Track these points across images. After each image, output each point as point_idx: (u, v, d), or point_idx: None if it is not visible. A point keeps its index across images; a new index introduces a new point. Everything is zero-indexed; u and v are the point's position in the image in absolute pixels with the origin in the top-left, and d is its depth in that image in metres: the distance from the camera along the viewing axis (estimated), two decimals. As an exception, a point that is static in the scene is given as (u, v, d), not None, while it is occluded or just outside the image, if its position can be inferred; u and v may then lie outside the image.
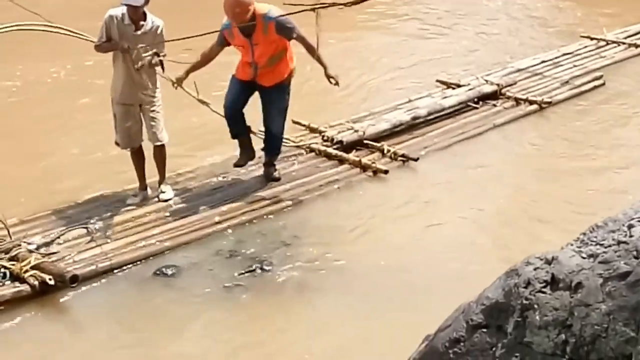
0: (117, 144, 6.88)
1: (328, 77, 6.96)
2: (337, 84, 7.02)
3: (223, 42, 6.89)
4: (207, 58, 7.01)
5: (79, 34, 7.11)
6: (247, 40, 6.80)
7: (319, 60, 6.82)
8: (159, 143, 6.80)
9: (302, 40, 6.82)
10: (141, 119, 6.73)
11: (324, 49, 6.70)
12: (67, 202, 6.83)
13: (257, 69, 6.92)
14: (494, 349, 2.69)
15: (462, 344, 2.79)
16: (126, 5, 6.30)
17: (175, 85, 6.94)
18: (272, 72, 7.00)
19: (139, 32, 6.40)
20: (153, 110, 6.68)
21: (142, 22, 6.40)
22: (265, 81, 7.00)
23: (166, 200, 6.87)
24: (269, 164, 7.38)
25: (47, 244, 6.21)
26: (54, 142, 8.27)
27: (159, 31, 6.50)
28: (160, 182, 6.97)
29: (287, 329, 5.54)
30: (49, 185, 7.34)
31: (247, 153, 7.28)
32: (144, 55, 6.34)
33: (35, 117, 8.85)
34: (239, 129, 7.20)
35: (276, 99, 7.09)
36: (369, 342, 5.23)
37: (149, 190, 6.93)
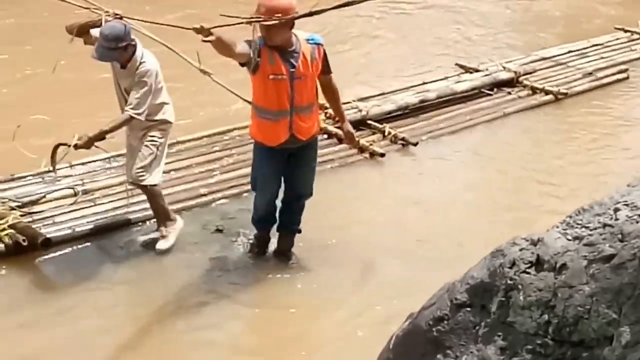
0: None
1: (346, 132, 6.00)
2: (355, 146, 6.47)
3: (258, 57, 5.28)
4: (230, 49, 5.11)
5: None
6: (289, 71, 5.43)
7: (339, 109, 5.96)
8: (135, 181, 6.08)
9: (331, 78, 5.74)
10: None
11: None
12: (59, 162, 6.99)
13: (293, 115, 5.55)
14: (477, 327, 2.86)
15: (445, 322, 2.95)
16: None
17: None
18: (310, 119, 5.68)
19: (123, 70, 6.05)
20: (141, 139, 6.08)
21: (129, 63, 6.04)
22: (303, 133, 5.64)
23: (163, 251, 6.20)
24: (288, 247, 6.15)
25: (32, 203, 6.45)
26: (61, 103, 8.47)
27: (138, 72, 5.93)
28: (159, 226, 6.30)
29: (273, 307, 5.76)
30: (35, 142, 7.55)
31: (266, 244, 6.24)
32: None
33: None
34: (270, 226, 6.17)
35: (313, 156, 5.93)
36: (353, 316, 5.52)
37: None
